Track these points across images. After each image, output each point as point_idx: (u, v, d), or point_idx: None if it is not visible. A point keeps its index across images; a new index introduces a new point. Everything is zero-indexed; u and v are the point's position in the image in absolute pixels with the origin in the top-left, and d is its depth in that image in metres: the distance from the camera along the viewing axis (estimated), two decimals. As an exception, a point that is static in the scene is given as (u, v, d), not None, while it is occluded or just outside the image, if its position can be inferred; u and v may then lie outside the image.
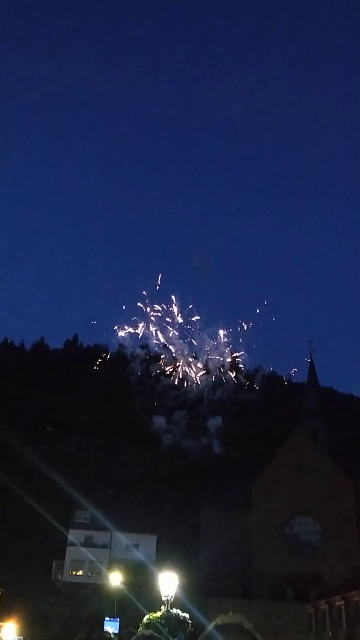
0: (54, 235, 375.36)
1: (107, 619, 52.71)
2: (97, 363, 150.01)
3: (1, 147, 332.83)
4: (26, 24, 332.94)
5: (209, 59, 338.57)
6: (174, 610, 23.76)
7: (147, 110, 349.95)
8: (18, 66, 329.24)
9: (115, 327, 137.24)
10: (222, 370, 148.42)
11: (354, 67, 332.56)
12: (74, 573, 71.98)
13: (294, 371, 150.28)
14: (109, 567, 68.21)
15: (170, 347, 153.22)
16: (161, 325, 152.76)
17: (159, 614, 23.86)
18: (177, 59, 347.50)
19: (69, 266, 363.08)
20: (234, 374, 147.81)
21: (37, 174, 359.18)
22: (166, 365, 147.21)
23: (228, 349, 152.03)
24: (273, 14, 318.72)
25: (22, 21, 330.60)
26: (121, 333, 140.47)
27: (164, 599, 23.67)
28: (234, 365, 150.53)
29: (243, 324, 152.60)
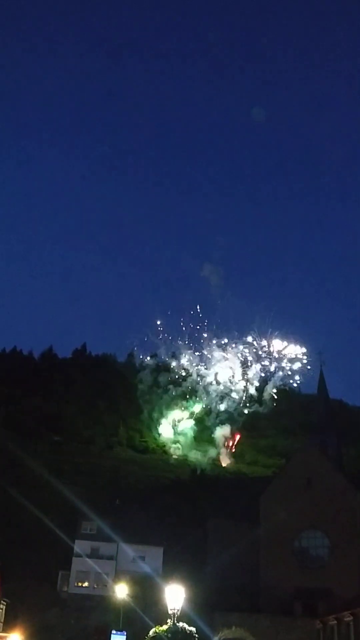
0: (63, 246, 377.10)
1: (114, 632, 52.04)
2: (105, 372, 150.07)
3: (9, 157, 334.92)
4: (28, 21, 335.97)
5: (210, 65, 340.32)
6: (181, 624, 23.23)
7: (151, 116, 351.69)
8: (19, 66, 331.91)
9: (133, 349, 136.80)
10: (231, 382, 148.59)
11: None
12: (80, 584, 71.35)
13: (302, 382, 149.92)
14: (115, 579, 67.56)
15: (180, 357, 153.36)
16: (171, 336, 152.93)
17: (165, 627, 23.33)
18: (178, 64, 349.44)
19: (78, 276, 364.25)
20: (244, 385, 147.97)
21: (45, 184, 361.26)
22: (175, 376, 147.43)
23: (238, 360, 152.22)
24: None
25: (26, 18, 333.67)
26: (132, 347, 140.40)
27: (170, 612, 23.16)
28: (243, 377, 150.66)
29: (251, 338, 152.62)
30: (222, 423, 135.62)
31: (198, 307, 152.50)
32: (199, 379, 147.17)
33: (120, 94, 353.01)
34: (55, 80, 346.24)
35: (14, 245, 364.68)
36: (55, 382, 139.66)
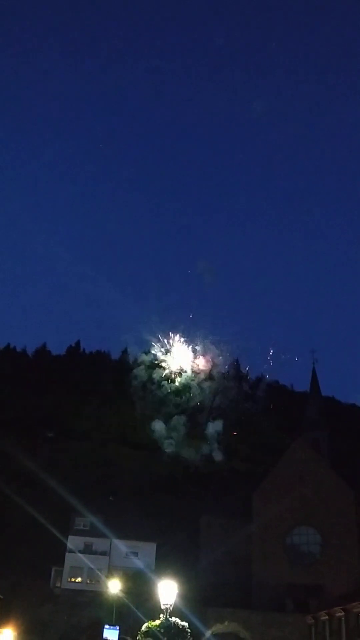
0: (57, 240, 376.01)
1: (107, 626, 52.39)
2: (99, 369, 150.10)
3: (7, 157, 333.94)
4: (30, 19, 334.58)
5: (208, 56, 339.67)
6: (173, 619, 23.51)
7: (146, 112, 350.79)
8: (16, 69, 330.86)
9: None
10: (225, 378, 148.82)
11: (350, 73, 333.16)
12: (73, 580, 71.60)
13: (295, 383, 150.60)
14: (108, 575, 67.85)
15: (174, 353, 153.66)
16: (166, 332, 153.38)
17: (157, 622, 23.60)
18: (178, 64, 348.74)
19: (72, 272, 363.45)
20: (237, 382, 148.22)
21: (38, 182, 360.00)
22: (169, 372, 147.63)
23: (231, 357, 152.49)
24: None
25: (26, 16, 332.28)
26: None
27: (163, 607, 23.42)
28: (236, 374, 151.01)
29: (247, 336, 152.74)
30: (214, 419, 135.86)
31: (191, 316, 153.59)
32: (193, 375, 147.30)
33: (117, 91, 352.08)
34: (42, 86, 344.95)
35: (8, 241, 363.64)
36: (49, 379, 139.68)
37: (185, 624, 23.95)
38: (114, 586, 54.54)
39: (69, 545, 72.19)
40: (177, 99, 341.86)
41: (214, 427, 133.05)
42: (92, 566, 71.01)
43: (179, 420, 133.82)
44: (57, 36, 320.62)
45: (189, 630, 23.95)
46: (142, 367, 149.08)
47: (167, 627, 23.15)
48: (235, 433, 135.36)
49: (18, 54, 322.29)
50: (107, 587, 59.89)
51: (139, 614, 49.66)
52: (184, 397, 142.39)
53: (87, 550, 72.54)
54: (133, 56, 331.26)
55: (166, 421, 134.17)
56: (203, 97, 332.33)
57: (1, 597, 61.49)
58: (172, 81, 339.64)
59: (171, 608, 23.45)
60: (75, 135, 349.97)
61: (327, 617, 59.24)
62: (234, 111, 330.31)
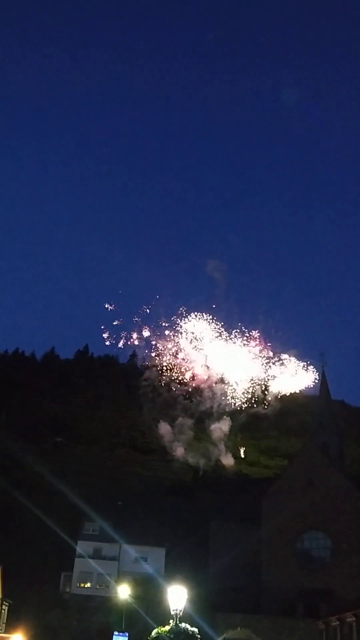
0: (65, 245, 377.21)
1: (116, 633, 52.06)
2: (108, 373, 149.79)
3: (9, 159, 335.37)
4: (31, 25, 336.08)
5: (208, 61, 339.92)
6: (183, 625, 23.28)
7: (152, 111, 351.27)
8: (21, 71, 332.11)
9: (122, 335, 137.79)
10: (235, 382, 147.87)
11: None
12: (82, 585, 71.42)
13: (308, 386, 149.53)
14: (118, 580, 67.61)
15: (183, 356, 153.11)
16: (174, 335, 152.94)
17: (167, 628, 23.37)
18: (177, 64, 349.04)
19: (81, 276, 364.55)
20: (247, 385, 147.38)
21: (46, 183, 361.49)
22: (178, 374, 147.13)
23: (242, 360, 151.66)
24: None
25: (27, 22, 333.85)
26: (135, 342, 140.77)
27: (172, 612, 23.20)
28: (245, 377, 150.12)
29: (256, 337, 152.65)
30: (221, 419, 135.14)
31: (202, 307, 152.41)
32: (203, 378, 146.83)
33: (124, 87, 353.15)
34: (48, 83, 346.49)
35: (16, 246, 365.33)
36: (57, 384, 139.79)
37: (195, 629, 23.70)
38: (123, 591, 54.32)
39: (79, 550, 72.05)
40: (188, 95, 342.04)
41: (220, 427, 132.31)
42: (101, 571, 70.81)
43: (187, 422, 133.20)
44: (64, 33, 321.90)
45: (199, 636, 23.70)
46: (153, 369, 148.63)
47: (177, 632, 22.88)
48: (243, 437, 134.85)
49: (18, 54, 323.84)
50: (116, 593, 59.68)
51: (148, 619, 49.40)
52: (194, 400, 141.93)
53: (97, 555, 72.38)
54: (139, 52, 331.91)
55: (173, 423, 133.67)
56: (206, 94, 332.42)
57: (10, 602, 61.39)
58: (179, 78, 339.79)
59: (181, 613, 23.20)
60: (82, 135, 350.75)
61: (338, 622, 58.72)
62: (238, 113, 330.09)
